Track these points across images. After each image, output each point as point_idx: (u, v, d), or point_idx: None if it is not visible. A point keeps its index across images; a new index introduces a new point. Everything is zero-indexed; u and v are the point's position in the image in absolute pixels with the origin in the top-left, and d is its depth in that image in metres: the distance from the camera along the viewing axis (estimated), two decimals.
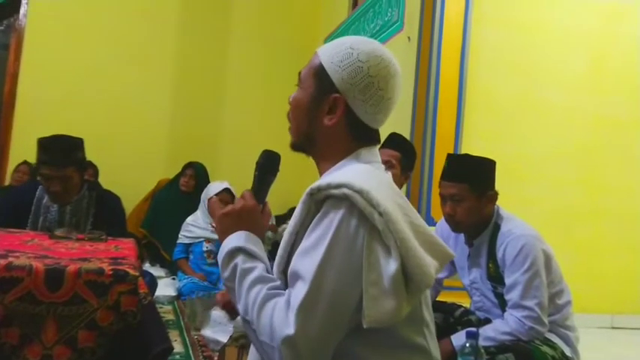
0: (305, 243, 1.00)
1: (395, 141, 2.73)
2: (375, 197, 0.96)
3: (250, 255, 1.08)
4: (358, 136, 1.13)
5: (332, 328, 0.95)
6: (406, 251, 0.96)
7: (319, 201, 1.02)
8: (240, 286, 1.03)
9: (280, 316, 0.94)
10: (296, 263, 0.99)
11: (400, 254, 0.96)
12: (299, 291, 0.95)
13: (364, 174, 1.04)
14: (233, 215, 1.14)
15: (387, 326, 0.95)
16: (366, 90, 1.08)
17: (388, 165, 2.61)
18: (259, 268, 1.05)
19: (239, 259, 1.07)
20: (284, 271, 1.05)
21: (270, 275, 1.06)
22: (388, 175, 1.16)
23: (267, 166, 1.22)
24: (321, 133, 1.13)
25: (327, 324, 0.94)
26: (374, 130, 1.15)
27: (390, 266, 0.95)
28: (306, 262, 0.97)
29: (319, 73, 1.12)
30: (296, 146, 1.19)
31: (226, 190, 3.83)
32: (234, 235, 1.11)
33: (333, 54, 1.11)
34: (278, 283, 1.04)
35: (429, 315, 1.10)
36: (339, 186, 0.98)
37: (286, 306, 0.95)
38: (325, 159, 1.15)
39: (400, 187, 2.85)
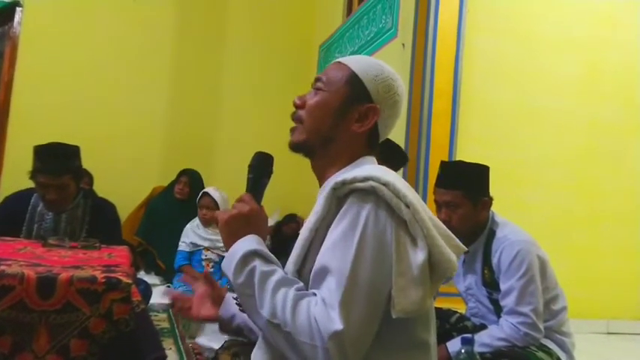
0: (332, 237, 0.99)
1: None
2: (401, 189, 1.00)
3: (266, 258, 1.05)
4: (371, 144, 1.18)
5: (371, 321, 0.96)
6: (432, 240, 0.99)
7: (342, 196, 1.02)
8: (263, 289, 0.99)
9: (320, 314, 0.92)
10: (325, 258, 0.98)
11: (427, 244, 0.99)
12: (336, 287, 0.94)
13: (383, 170, 1.06)
14: (241, 219, 1.11)
15: (413, 316, 0.97)
16: (394, 106, 1.17)
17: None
18: (279, 271, 1.03)
19: (257, 263, 1.03)
20: (299, 271, 1.05)
21: (292, 277, 1.04)
22: None
23: (261, 168, 1.19)
24: (343, 138, 1.15)
25: (367, 317, 0.95)
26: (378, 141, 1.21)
27: (418, 256, 0.98)
28: (338, 256, 0.96)
29: (353, 80, 1.15)
30: (303, 145, 1.16)
31: (204, 194, 3.83)
32: (245, 239, 1.07)
33: (366, 67, 1.16)
34: (302, 284, 1.01)
35: (432, 311, 1.12)
36: (365, 179, 1.00)
37: (323, 303, 0.94)
38: (334, 163, 1.15)
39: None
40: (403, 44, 3.85)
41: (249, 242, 1.06)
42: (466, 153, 3.49)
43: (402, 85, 1.20)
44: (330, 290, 0.94)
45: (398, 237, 0.98)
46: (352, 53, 4.67)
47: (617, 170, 4.23)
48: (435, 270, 1.00)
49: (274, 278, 1.00)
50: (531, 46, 4.10)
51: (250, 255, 1.04)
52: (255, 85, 5.83)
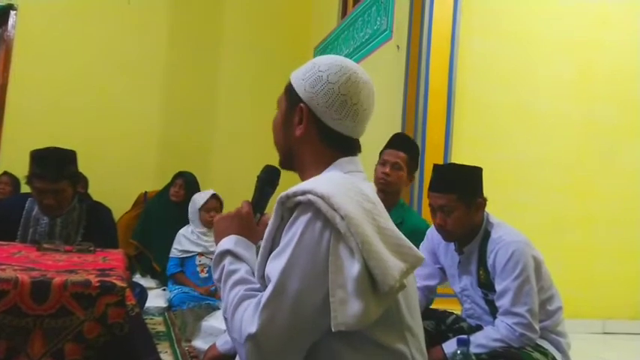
0: (277, 248, 1.05)
1: (399, 141, 2.63)
2: (337, 201, 1.00)
3: (237, 257, 1.15)
4: (332, 144, 1.17)
5: (296, 327, 0.99)
6: (368, 253, 0.98)
7: (291, 207, 1.05)
8: (225, 286, 1.11)
9: (249, 315, 1.01)
10: (268, 266, 1.04)
11: (362, 256, 0.98)
12: (266, 292, 1.00)
13: (331, 180, 1.08)
14: (227, 219, 1.24)
15: (356, 329, 0.97)
16: (328, 96, 1.13)
17: (396, 167, 2.53)
18: (242, 271, 1.12)
19: (226, 261, 1.15)
20: (263, 276, 1.08)
21: (251, 278, 1.12)
22: (369, 185, 1.16)
23: (267, 179, 1.32)
24: (296, 145, 1.19)
25: (291, 324, 0.98)
26: (350, 140, 1.18)
27: (354, 268, 0.97)
28: (275, 264, 1.02)
29: (288, 89, 1.20)
30: (283, 164, 1.26)
31: (213, 196, 3.84)
32: (226, 239, 1.19)
33: (299, 71, 1.20)
34: (257, 285, 1.09)
35: (412, 320, 1.09)
36: (304, 192, 1.03)
37: (256, 306, 1.01)
38: (307, 172, 1.18)
39: (407, 188, 2.78)
40: (398, 46, 3.85)
41: (227, 242, 1.19)
42: (461, 154, 3.49)
43: (340, 72, 1.14)
44: (264, 295, 1.01)
45: (335, 249, 0.99)
46: (347, 55, 4.67)
47: (611, 171, 4.23)
48: (375, 282, 0.98)
49: (234, 277, 1.11)
50: (526, 47, 4.11)
51: (224, 254, 1.17)
52: (250, 87, 5.83)
